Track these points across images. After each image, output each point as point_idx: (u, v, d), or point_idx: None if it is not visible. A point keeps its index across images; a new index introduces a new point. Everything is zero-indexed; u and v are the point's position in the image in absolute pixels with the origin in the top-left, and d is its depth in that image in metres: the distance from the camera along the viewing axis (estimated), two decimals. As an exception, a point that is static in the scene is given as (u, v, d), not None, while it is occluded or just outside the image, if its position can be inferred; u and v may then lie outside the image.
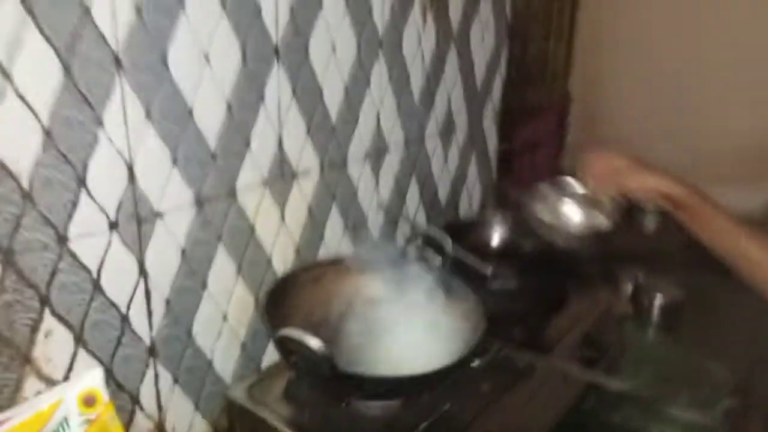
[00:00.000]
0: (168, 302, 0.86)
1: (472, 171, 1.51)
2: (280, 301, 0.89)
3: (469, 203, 1.53)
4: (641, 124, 2.16)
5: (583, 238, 1.04)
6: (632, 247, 1.68)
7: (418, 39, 1.21)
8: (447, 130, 1.37)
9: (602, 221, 1.02)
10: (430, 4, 1.21)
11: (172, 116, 0.81)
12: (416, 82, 1.24)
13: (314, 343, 0.72)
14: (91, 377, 0.76)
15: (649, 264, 1.50)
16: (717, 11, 1.91)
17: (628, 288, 1.43)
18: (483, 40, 1.42)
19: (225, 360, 0.96)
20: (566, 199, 1.04)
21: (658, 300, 1.38)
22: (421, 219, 1.34)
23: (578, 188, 1.03)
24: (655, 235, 1.81)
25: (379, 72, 1.14)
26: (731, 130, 1.98)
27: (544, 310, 1.11)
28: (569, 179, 1.05)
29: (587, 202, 1.03)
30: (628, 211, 1.89)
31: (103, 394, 0.77)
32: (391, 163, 1.22)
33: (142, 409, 0.87)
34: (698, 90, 2.00)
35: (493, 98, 1.53)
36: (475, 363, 0.96)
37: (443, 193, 1.41)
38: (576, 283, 1.31)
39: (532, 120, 2.06)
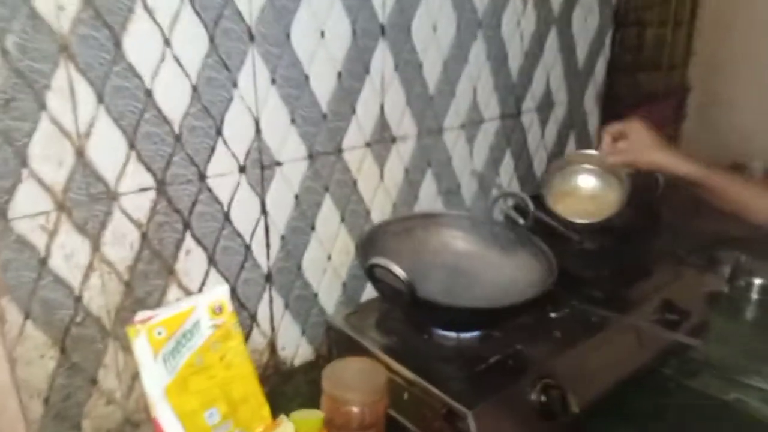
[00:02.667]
0: (283, 238, 1.03)
1: (571, 148, 1.57)
2: (375, 242, 1.03)
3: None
4: (762, 115, 2.07)
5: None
6: (736, 232, 1.65)
7: (517, 21, 1.30)
8: (545, 106, 1.44)
9: (615, 195, 1.03)
10: (531, -12, 1.30)
11: (292, 81, 0.97)
12: (514, 61, 1.33)
13: (399, 270, 0.85)
14: (220, 291, 0.93)
15: (752, 248, 1.47)
16: None
17: (727, 269, 1.42)
18: (586, 22, 1.47)
19: (328, 294, 1.12)
20: (583, 169, 1.05)
21: (757, 281, 1.36)
22: (515, 189, 1.42)
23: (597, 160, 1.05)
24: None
25: (477, 50, 1.24)
26: None
27: (627, 276, 1.15)
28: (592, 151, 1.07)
29: (604, 174, 1.06)
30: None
31: (228, 306, 0.93)
32: (487, 134, 1.32)
33: (258, 326, 1.04)
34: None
35: (596, 79, 1.57)
36: (552, 315, 1.04)
37: (539, 167, 1.48)
38: (669, 260, 1.33)
39: (646, 106, 2.05)
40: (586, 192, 1.06)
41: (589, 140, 1.64)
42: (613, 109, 1.77)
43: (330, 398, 0.81)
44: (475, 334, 0.97)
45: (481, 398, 0.83)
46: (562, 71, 1.45)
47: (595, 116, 1.62)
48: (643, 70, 2.02)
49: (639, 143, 0.98)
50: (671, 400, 1.06)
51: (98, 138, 0.79)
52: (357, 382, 0.81)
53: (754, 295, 1.38)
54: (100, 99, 0.78)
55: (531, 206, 1.10)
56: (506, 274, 1.04)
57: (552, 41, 1.39)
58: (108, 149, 0.81)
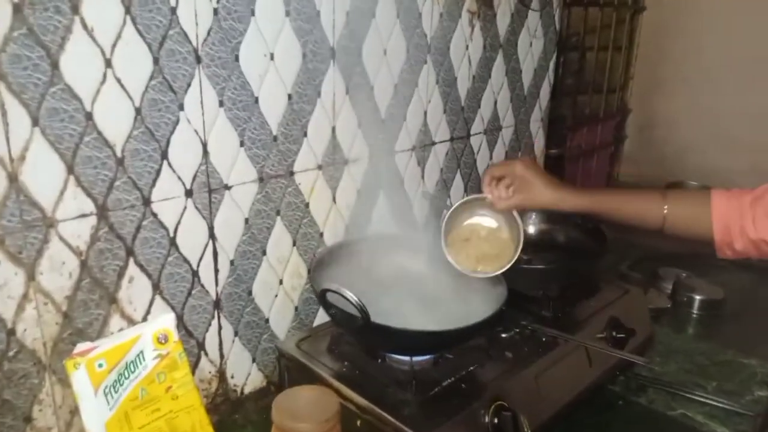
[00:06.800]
0: (232, 263, 1.00)
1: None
2: (326, 265, 1.02)
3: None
4: (700, 137, 2.16)
5: None
6: (676, 249, 1.71)
7: (465, 45, 1.32)
8: (493, 129, 1.46)
9: (512, 232, 1.02)
10: (477, 15, 1.32)
11: (240, 104, 0.95)
12: (463, 86, 1.35)
13: (350, 295, 0.84)
14: (165, 319, 0.90)
15: (692, 265, 1.53)
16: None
17: (669, 285, 1.47)
18: (531, 47, 1.50)
19: (280, 319, 1.09)
20: (476, 213, 1.05)
21: (697, 297, 1.41)
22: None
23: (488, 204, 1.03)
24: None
25: (427, 74, 1.25)
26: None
27: (574, 295, 1.17)
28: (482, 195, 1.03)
29: (497, 214, 1.04)
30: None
31: (174, 334, 0.90)
32: (437, 156, 1.33)
33: (206, 354, 1.01)
34: (760, 100, 1.99)
35: (541, 104, 1.61)
36: (503, 335, 1.04)
37: (488, 188, 1.50)
38: (613, 277, 1.37)
39: (588, 127, 2.11)
40: (482, 235, 1.05)
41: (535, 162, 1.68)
42: (556, 130, 1.82)
43: (280, 430, 0.79)
44: (429, 357, 0.96)
45: (433, 424, 0.83)
46: (508, 95, 1.48)
47: (541, 138, 1.66)
48: (584, 92, 2.09)
49: (524, 185, 0.98)
50: (619, 417, 1.08)
51: (33, 162, 0.76)
52: (308, 411, 0.79)
53: (695, 311, 1.42)
54: (35, 122, 0.75)
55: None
56: (458, 294, 1.04)
57: (499, 65, 1.42)
58: (44, 174, 0.77)
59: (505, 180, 1.00)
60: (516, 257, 0.99)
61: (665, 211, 0.95)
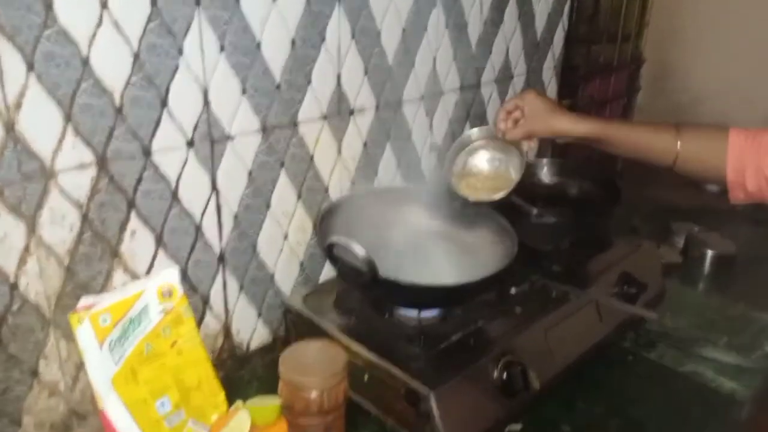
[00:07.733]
0: (236, 217, 0.98)
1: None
2: (333, 219, 0.99)
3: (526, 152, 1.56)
4: (716, 87, 2.10)
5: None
6: (689, 203, 1.68)
7: (477, -12, 1.26)
8: (504, 78, 1.41)
9: (515, 172, 1.01)
10: (491, -46, 1.25)
11: (242, 49, 0.91)
12: (474, 31, 1.29)
13: (358, 248, 0.82)
14: (169, 273, 0.88)
15: (704, 219, 1.50)
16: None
17: (681, 240, 1.45)
18: (545, -10, 1.44)
19: (285, 275, 1.08)
20: (483, 147, 1.03)
21: (710, 252, 1.39)
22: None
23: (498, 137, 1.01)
24: (714, 194, 1.77)
25: (437, 18, 1.20)
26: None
27: (586, 249, 1.15)
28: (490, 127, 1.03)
29: (502, 149, 1.02)
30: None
31: (178, 289, 0.88)
32: (446, 106, 1.29)
33: (211, 310, 0.99)
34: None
35: (554, 51, 1.55)
36: (513, 291, 1.03)
37: (498, 140, 1.46)
38: (624, 231, 1.34)
39: (601, 77, 2.05)
40: (488, 171, 1.03)
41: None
42: (568, 79, 1.76)
43: (287, 383, 0.78)
44: (437, 312, 0.95)
45: (443, 378, 0.82)
46: (521, 42, 1.42)
47: (554, 88, 1.61)
48: (598, 42, 2.02)
49: (533, 113, 0.97)
50: (628, 372, 1.07)
51: (30, 110, 0.72)
52: (315, 365, 0.78)
53: (707, 266, 1.40)
54: (30, 67, 0.71)
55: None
56: (467, 249, 1.02)
57: (511, 9, 1.36)
58: (41, 122, 0.74)
59: (516, 113, 0.98)
60: (515, 183, 0.98)
61: (678, 147, 0.90)
